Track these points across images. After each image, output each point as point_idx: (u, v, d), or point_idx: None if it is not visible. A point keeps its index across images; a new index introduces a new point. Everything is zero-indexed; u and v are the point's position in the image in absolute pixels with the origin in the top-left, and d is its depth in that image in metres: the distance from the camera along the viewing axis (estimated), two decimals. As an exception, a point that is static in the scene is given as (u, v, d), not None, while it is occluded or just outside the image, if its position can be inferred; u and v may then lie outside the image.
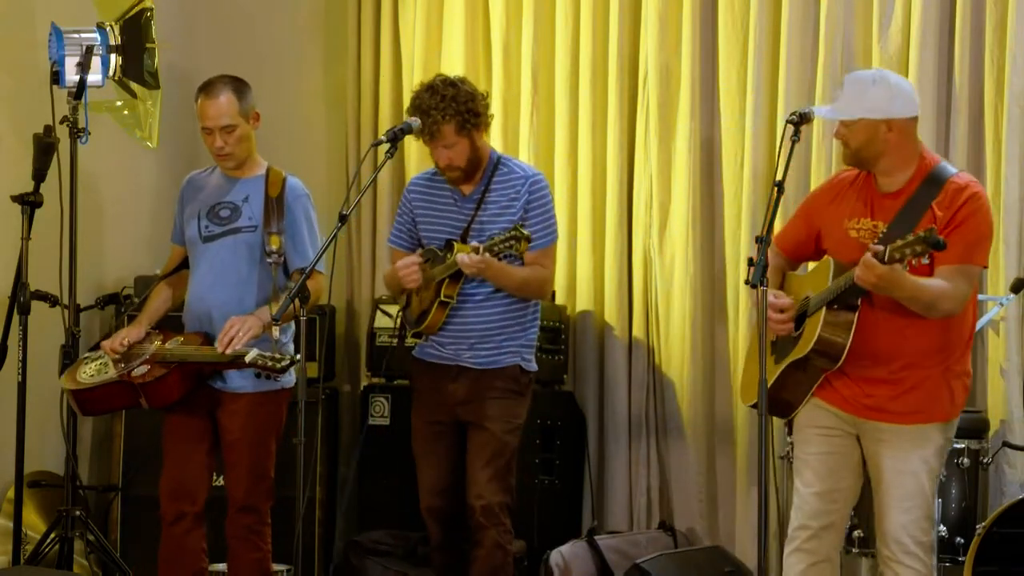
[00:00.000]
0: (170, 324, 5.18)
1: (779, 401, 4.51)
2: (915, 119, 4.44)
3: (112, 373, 5.00)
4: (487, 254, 4.87)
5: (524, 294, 5.12)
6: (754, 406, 4.48)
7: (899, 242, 4.09)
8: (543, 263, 5.14)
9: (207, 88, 5.05)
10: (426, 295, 5.13)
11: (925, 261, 4.19)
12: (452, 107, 5.00)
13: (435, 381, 5.16)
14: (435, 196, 5.22)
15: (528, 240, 4.85)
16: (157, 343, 5.02)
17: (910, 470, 4.39)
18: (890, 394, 4.40)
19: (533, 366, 5.21)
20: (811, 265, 4.71)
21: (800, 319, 4.47)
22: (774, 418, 4.76)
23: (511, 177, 5.14)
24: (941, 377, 4.42)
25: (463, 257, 4.90)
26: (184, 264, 5.22)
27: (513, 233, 4.85)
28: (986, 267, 4.50)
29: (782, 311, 4.46)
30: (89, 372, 5.08)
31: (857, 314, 4.32)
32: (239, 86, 5.06)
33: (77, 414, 5.22)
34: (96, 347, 5.19)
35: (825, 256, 4.52)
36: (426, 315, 5.09)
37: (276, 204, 5.07)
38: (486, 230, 5.04)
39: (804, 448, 4.55)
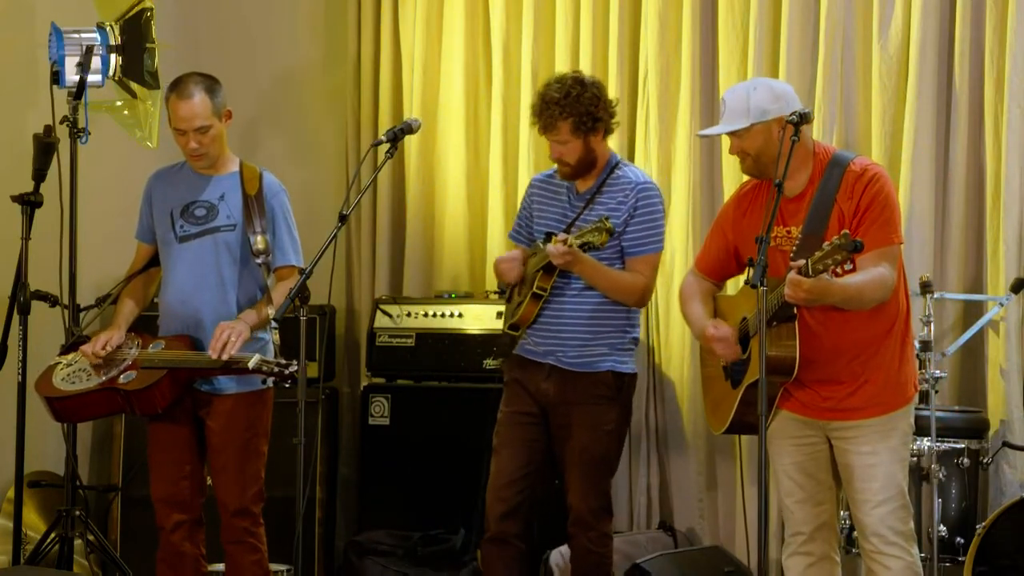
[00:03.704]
0: (142, 326, 5.13)
1: (746, 424, 4.54)
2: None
3: (96, 380, 4.93)
4: (574, 245, 4.90)
5: (615, 296, 5.10)
6: (727, 432, 4.60)
7: (818, 254, 4.13)
8: (641, 270, 5.11)
9: (178, 88, 4.96)
10: (525, 289, 5.18)
11: (848, 267, 4.29)
12: (574, 106, 5.05)
13: (527, 375, 5.17)
14: (552, 192, 5.28)
15: (610, 232, 4.86)
16: (137, 348, 4.99)
17: (880, 463, 4.43)
18: (847, 391, 4.45)
19: (628, 368, 5.19)
20: (740, 281, 4.72)
21: (745, 340, 4.51)
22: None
23: (622, 182, 5.14)
24: (893, 362, 4.46)
25: (551, 247, 4.95)
26: (152, 263, 5.17)
27: (597, 225, 4.87)
28: (902, 243, 4.52)
29: (724, 339, 4.53)
30: (65, 378, 4.98)
31: (796, 323, 4.36)
32: (211, 84, 4.98)
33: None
34: (67, 350, 5.12)
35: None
36: (521, 306, 5.14)
37: (256, 202, 5.00)
38: (578, 230, 5.03)
39: (778, 460, 4.59)
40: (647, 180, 5.21)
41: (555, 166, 5.29)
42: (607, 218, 4.91)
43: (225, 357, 4.81)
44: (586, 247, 4.92)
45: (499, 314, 6.20)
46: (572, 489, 5.13)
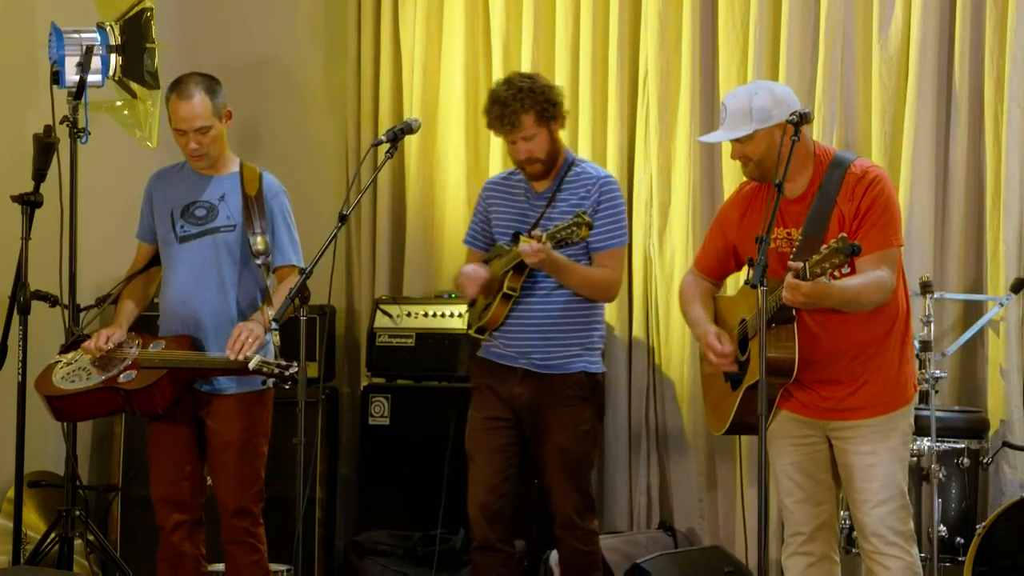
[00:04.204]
0: (142, 326, 5.13)
1: (745, 425, 4.54)
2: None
3: (96, 379, 4.93)
4: (549, 243, 4.88)
5: (586, 292, 5.11)
6: (727, 432, 4.59)
7: (815, 257, 4.13)
8: (609, 264, 5.13)
9: (178, 88, 4.96)
10: (492, 291, 5.15)
11: (846, 271, 4.30)
12: (531, 97, 5.06)
13: (497, 380, 5.17)
14: (509, 193, 5.27)
15: (589, 226, 4.87)
16: (137, 347, 4.99)
17: (880, 463, 4.43)
18: (846, 391, 4.45)
19: (599, 367, 5.20)
20: (740, 279, 4.72)
21: (744, 342, 4.52)
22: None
23: (582, 177, 5.16)
24: (893, 362, 4.46)
25: (525, 246, 4.94)
26: (152, 262, 5.18)
27: (575, 220, 4.87)
28: (902, 245, 4.53)
29: (724, 356, 4.53)
30: (64, 376, 4.98)
31: (796, 324, 4.37)
32: (211, 85, 4.99)
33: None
34: (67, 350, 5.12)
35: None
36: (489, 308, 5.12)
37: (256, 203, 5.01)
38: (553, 226, 5.02)
39: (778, 460, 4.59)
40: (607, 174, 5.25)
41: (511, 168, 5.29)
42: (584, 212, 4.92)
43: (241, 357, 4.79)
44: (562, 243, 4.92)
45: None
46: (555, 491, 5.13)
